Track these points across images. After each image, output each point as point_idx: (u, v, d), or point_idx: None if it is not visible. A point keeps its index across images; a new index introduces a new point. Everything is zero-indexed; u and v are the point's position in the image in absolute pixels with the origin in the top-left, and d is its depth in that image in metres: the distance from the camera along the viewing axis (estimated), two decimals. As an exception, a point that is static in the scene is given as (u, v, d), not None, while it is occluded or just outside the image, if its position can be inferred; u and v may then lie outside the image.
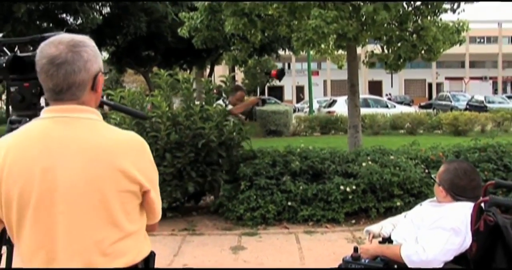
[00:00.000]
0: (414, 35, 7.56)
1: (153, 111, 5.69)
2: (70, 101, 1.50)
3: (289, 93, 54.56)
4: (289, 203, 5.61)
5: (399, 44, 7.59)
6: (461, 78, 52.25)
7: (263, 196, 5.63)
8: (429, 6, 7.56)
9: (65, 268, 1.46)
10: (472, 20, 9.25)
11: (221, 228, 5.57)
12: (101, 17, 16.43)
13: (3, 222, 1.50)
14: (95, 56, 1.54)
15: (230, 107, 6.16)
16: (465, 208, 2.46)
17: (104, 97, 1.70)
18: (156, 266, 1.69)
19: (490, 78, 57.27)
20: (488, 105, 26.36)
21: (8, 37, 12.01)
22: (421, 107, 33.05)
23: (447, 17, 8.04)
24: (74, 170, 1.45)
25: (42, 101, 1.96)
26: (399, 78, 53.39)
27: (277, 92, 49.49)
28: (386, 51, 8.02)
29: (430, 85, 56.69)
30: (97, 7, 16.68)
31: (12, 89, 1.90)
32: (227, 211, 5.78)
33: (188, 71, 23.73)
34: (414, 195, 5.61)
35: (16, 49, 2.03)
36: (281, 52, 20.99)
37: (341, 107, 18.32)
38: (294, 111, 25.81)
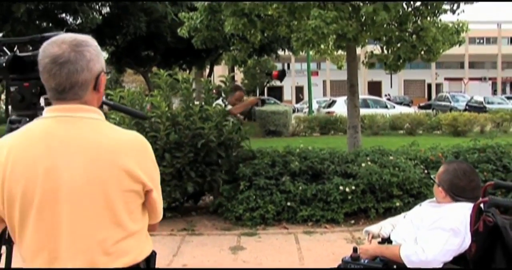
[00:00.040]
0: (414, 36, 7.56)
1: (153, 111, 5.69)
2: (72, 101, 1.50)
3: (288, 94, 54.57)
4: (289, 203, 5.61)
5: (398, 45, 7.59)
6: (460, 79, 52.25)
7: (263, 196, 5.63)
8: (429, 7, 7.56)
9: (68, 268, 1.46)
10: (471, 21, 9.26)
11: (220, 228, 5.57)
12: (100, 17, 16.42)
13: (5, 221, 1.50)
14: (97, 56, 1.54)
15: (229, 107, 6.16)
16: (465, 209, 2.47)
17: (104, 97, 1.70)
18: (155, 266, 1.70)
19: (490, 79, 57.31)
20: (487, 106, 26.36)
21: (7, 37, 12.02)
22: (420, 108, 33.01)
23: (446, 18, 8.05)
24: (77, 169, 1.45)
25: (42, 101, 1.96)
26: (399, 79, 53.41)
27: (277, 93, 49.48)
28: (385, 51, 8.02)
29: (429, 85, 56.70)
30: (97, 7, 16.68)
31: (12, 89, 1.90)
32: (226, 211, 5.78)
33: (188, 71, 23.73)
34: (414, 195, 5.61)
35: (15, 49, 2.03)
36: (280, 52, 20.99)
37: (340, 107, 18.32)
38: (294, 111, 25.81)
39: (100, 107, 1.63)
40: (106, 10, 17.51)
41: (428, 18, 7.63)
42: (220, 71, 28.54)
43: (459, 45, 8.09)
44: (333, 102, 22.09)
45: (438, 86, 55.86)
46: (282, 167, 5.92)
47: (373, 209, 5.57)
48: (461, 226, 2.41)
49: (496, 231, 2.33)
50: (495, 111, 19.57)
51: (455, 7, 7.84)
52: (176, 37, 12.76)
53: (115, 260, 1.50)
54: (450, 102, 30.33)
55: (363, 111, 11.75)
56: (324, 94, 49.79)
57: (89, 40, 1.54)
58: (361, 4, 7.03)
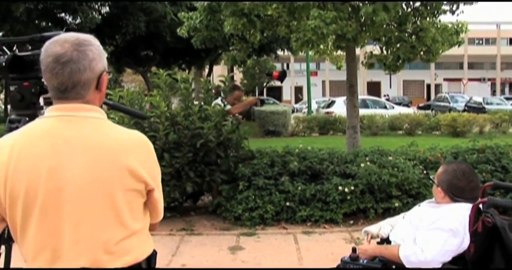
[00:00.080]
0: (413, 36, 7.56)
1: (152, 111, 5.69)
2: (75, 100, 1.51)
3: (287, 94, 54.57)
4: (288, 204, 5.62)
5: (398, 45, 7.60)
6: (459, 80, 52.26)
7: (262, 196, 5.63)
8: (428, 7, 7.57)
9: (70, 268, 1.46)
10: (470, 21, 9.26)
11: (219, 228, 5.57)
12: (100, 17, 16.41)
13: (5, 220, 1.50)
14: (100, 56, 1.54)
15: (228, 107, 6.16)
16: (464, 209, 2.47)
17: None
18: (154, 265, 1.70)
19: (489, 79, 57.35)
20: (486, 106, 26.39)
21: (6, 37, 12.00)
22: (419, 108, 33.05)
23: (446, 19, 8.05)
24: (80, 169, 1.45)
25: (41, 100, 1.96)
26: (398, 79, 53.44)
27: (276, 93, 49.49)
28: (385, 52, 8.03)
29: (428, 86, 56.72)
30: (96, 6, 16.66)
31: (12, 88, 1.90)
32: (225, 211, 5.78)
33: (187, 71, 23.70)
34: (412, 195, 5.62)
35: (14, 48, 2.03)
36: (280, 52, 20.98)
37: (339, 108, 18.33)
38: (293, 111, 25.80)
39: (100, 107, 1.63)
40: (105, 9, 17.49)
41: (428, 19, 7.64)
42: (219, 71, 28.53)
43: (458, 45, 8.09)
44: (332, 102, 22.09)
45: (437, 86, 55.89)
46: (281, 167, 5.93)
47: (372, 209, 5.58)
48: (460, 227, 2.41)
49: (495, 231, 2.33)
50: (494, 112, 19.58)
51: (454, 8, 7.85)
52: (176, 37, 12.75)
53: (117, 259, 1.51)
54: (449, 103, 30.36)
55: (362, 111, 11.76)
56: (323, 95, 49.80)
57: (92, 39, 1.55)
58: (361, 4, 7.03)
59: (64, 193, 1.44)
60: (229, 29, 7.52)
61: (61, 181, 1.44)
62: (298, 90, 53.01)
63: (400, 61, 7.72)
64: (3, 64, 1.86)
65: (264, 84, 36.74)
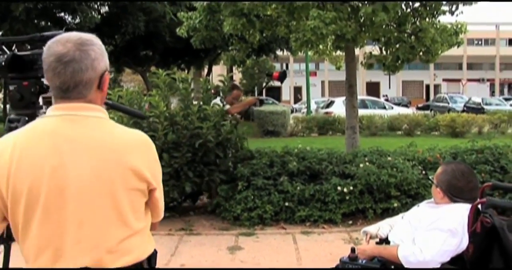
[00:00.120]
0: (413, 37, 7.57)
1: (151, 111, 5.69)
2: (77, 99, 1.51)
3: (287, 94, 54.55)
4: (286, 204, 5.62)
5: (397, 46, 7.61)
6: (458, 80, 52.30)
7: (260, 196, 5.63)
8: (428, 8, 7.58)
9: (72, 268, 1.46)
10: (470, 22, 9.26)
11: (218, 228, 5.57)
12: (99, 16, 16.40)
13: (7, 220, 1.50)
14: (102, 55, 1.54)
15: (227, 106, 6.16)
16: (462, 210, 2.47)
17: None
18: (154, 265, 1.70)
19: (488, 80, 57.35)
20: (485, 107, 26.43)
21: (6, 36, 11.98)
22: (418, 108, 33.10)
23: (445, 19, 8.06)
24: (84, 168, 1.46)
25: (41, 100, 1.96)
26: (397, 80, 53.46)
27: (275, 93, 49.46)
28: (384, 52, 8.03)
29: (427, 86, 56.74)
30: (96, 6, 16.64)
31: (11, 88, 1.90)
32: (224, 211, 5.78)
33: (186, 71, 23.70)
34: (411, 196, 5.62)
35: (13, 47, 2.03)
36: (279, 52, 20.98)
37: (338, 108, 18.33)
38: (292, 112, 25.80)
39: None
40: (105, 9, 17.48)
41: (427, 19, 7.65)
42: (218, 71, 28.54)
43: (458, 46, 8.10)
44: (332, 102, 22.09)
45: (436, 87, 55.91)
46: (280, 167, 5.93)
47: (371, 209, 5.58)
48: (459, 227, 2.42)
49: (494, 232, 2.33)
50: (493, 112, 19.60)
51: (453, 8, 7.86)
52: (175, 37, 12.75)
53: (120, 258, 1.51)
54: (448, 103, 30.40)
55: (361, 112, 11.77)
56: (323, 95, 49.79)
57: (94, 39, 1.55)
58: (360, 4, 7.05)
59: (67, 192, 1.44)
60: (228, 29, 7.53)
61: (64, 180, 1.44)
62: (297, 90, 53.02)
63: (399, 61, 7.73)
64: (3, 63, 1.86)
65: (264, 84, 36.80)
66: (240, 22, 7.39)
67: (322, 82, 54.75)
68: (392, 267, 2.55)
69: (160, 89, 5.90)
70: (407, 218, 2.75)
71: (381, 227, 2.88)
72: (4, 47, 1.99)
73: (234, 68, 22.59)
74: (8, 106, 2.11)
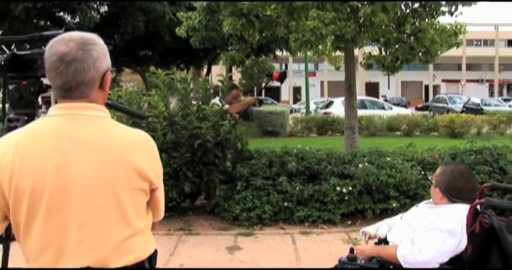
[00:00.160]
0: (412, 37, 7.58)
1: (150, 111, 5.69)
2: (79, 99, 1.51)
3: (286, 94, 54.56)
4: (285, 204, 5.62)
5: (396, 46, 7.62)
6: (457, 81, 52.34)
7: (259, 197, 5.63)
8: (427, 9, 7.59)
9: (74, 268, 1.46)
10: (469, 23, 9.27)
11: (217, 228, 5.57)
12: (99, 16, 16.38)
13: (8, 219, 1.50)
14: (104, 55, 1.55)
15: (226, 106, 6.16)
16: (461, 210, 2.47)
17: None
18: (154, 265, 1.70)
19: (487, 81, 57.41)
20: (484, 108, 26.43)
21: (5, 35, 11.96)
22: (417, 109, 33.13)
23: (444, 20, 8.07)
24: (87, 167, 1.46)
25: (40, 100, 1.96)
26: (396, 80, 53.48)
27: (274, 93, 49.47)
28: (383, 53, 8.04)
29: (426, 87, 56.78)
30: (95, 6, 16.63)
31: (11, 87, 1.90)
32: (223, 211, 5.78)
33: (185, 71, 23.69)
34: (410, 196, 5.62)
35: (13, 47, 2.03)
36: (278, 53, 20.97)
37: (338, 108, 18.33)
38: (291, 112, 25.81)
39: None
40: (104, 9, 17.47)
41: (426, 20, 7.66)
42: (217, 71, 28.52)
43: (457, 47, 8.11)
44: (331, 103, 22.10)
45: (436, 88, 55.94)
46: (279, 167, 5.93)
47: (370, 210, 5.58)
48: (457, 227, 2.42)
49: (492, 232, 2.34)
50: (492, 113, 19.61)
51: (453, 9, 7.87)
52: (174, 37, 12.73)
53: (122, 257, 1.51)
54: (447, 104, 30.40)
55: (360, 112, 11.77)
56: (322, 95, 49.82)
57: (96, 39, 1.55)
58: (360, 5, 7.05)
59: (70, 191, 1.44)
60: (228, 29, 7.53)
61: (67, 179, 1.44)
62: (296, 90, 53.01)
63: (399, 62, 7.74)
64: (2, 63, 1.86)
65: (264, 85, 36.80)
66: (239, 22, 7.40)
67: (322, 82, 54.79)
68: (391, 267, 2.55)
69: (159, 89, 5.90)
70: (406, 218, 2.75)
71: (380, 228, 2.88)
72: (3, 46, 1.99)
73: (233, 68, 22.59)
74: (7, 105, 2.10)
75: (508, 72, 57.87)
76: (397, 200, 5.56)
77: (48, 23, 15.45)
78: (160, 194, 1.65)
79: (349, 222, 5.65)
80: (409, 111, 21.29)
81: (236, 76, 35.89)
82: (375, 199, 5.61)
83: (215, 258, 4.65)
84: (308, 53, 14.48)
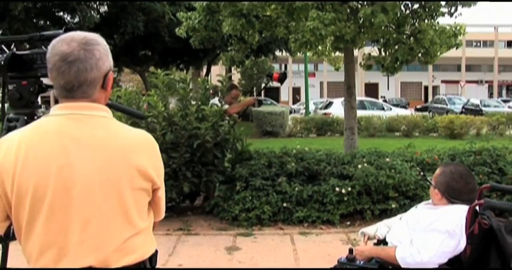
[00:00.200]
0: (411, 38, 7.58)
1: (149, 111, 5.68)
2: (81, 99, 1.51)
3: (285, 95, 54.55)
4: (285, 204, 5.62)
5: (396, 47, 7.62)
6: (457, 82, 52.36)
7: (259, 197, 5.63)
8: (427, 10, 7.59)
9: (76, 268, 1.46)
10: (469, 24, 9.27)
11: (216, 228, 5.57)
12: (98, 16, 16.37)
13: (9, 218, 1.50)
14: (106, 55, 1.55)
15: (226, 106, 6.16)
16: (460, 211, 2.48)
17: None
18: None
19: (486, 82, 57.47)
20: (483, 109, 26.47)
21: (5, 35, 11.95)
22: (417, 110, 33.15)
23: (444, 21, 8.07)
24: (90, 167, 1.46)
25: (40, 99, 1.96)
26: (396, 81, 53.49)
27: (274, 94, 49.45)
28: (383, 53, 8.04)
29: (426, 88, 56.79)
30: (95, 6, 16.63)
31: (10, 87, 1.90)
32: (222, 211, 5.78)
33: (185, 71, 23.68)
34: (409, 197, 5.63)
35: (12, 46, 2.03)
36: (278, 53, 20.98)
37: (337, 109, 18.36)
38: (290, 112, 25.82)
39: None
40: (104, 9, 17.46)
41: (426, 21, 7.66)
42: (217, 72, 28.53)
43: (456, 48, 8.11)
44: (330, 103, 22.11)
45: (435, 88, 55.99)
46: (278, 167, 5.93)
47: (369, 210, 5.58)
48: (456, 228, 2.42)
49: (491, 233, 2.34)
50: (491, 114, 19.64)
51: (452, 10, 7.87)
52: (174, 37, 12.74)
53: (124, 257, 1.51)
54: (447, 104, 30.43)
55: (359, 113, 11.77)
56: (321, 96, 49.85)
57: (98, 39, 1.55)
58: (359, 6, 7.06)
59: (73, 191, 1.44)
60: (227, 29, 7.53)
61: (70, 179, 1.44)
62: (296, 91, 53.01)
63: (398, 63, 7.74)
64: (2, 63, 1.86)
65: (264, 85, 36.81)
66: (239, 23, 7.39)
67: (321, 83, 54.80)
68: (390, 268, 2.55)
69: (159, 89, 5.90)
70: (405, 219, 2.75)
71: (379, 228, 2.88)
72: (3, 46, 1.99)
73: (233, 68, 22.59)
74: (6, 105, 2.10)
75: (507, 73, 57.93)
76: (396, 201, 5.57)
77: (48, 23, 15.44)
78: (162, 194, 1.65)
79: (348, 223, 5.65)
80: (408, 112, 21.30)
81: (236, 76, 35.91)
82: (374, 199, 5.61)
83: (214, 258, 4.66)
84: (308, 53, 14.48)
